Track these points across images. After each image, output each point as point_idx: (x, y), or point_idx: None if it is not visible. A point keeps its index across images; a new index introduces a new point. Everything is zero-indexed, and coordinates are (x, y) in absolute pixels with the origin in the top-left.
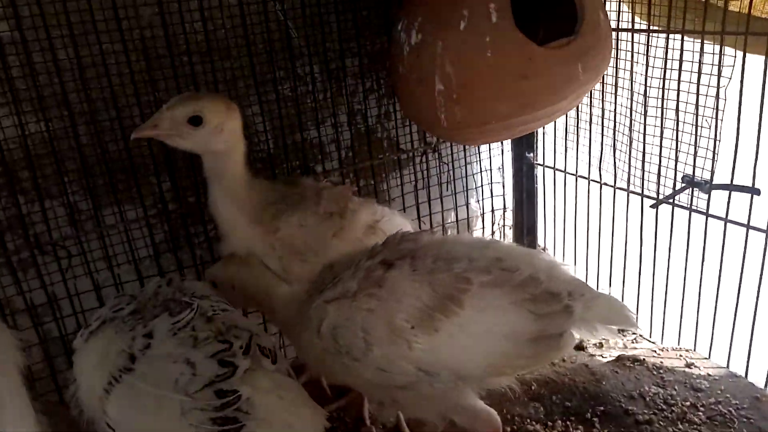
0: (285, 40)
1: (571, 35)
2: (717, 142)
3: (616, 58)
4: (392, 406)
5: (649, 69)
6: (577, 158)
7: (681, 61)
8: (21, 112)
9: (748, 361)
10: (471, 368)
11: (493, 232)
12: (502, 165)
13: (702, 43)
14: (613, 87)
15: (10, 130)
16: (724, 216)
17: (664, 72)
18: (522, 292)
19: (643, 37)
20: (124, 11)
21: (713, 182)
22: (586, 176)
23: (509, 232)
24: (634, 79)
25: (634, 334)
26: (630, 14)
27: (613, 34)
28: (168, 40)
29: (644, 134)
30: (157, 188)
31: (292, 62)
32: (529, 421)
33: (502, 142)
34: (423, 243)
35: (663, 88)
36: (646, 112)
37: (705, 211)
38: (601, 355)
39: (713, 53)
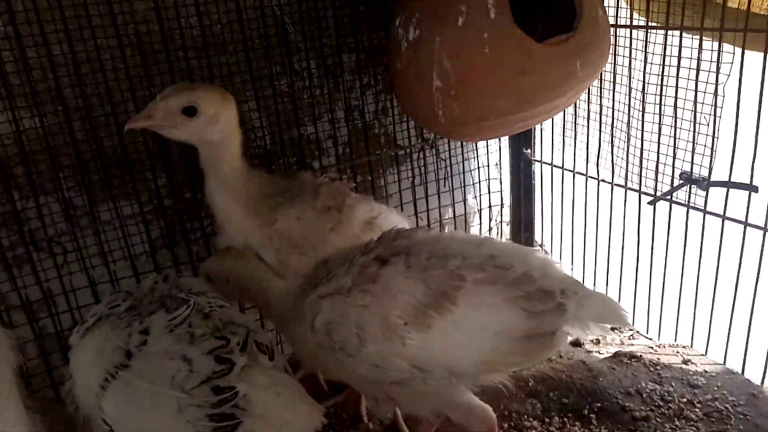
0: (282, 35)
1: (569, 31)
2: (715, 139)
3: (614, 55)
4: (387, 402)
5: (648, 65)
6: (574, 155)
7: (679, 57)
8: (15, 107)
9: (744, 358)
10: (464, 365)
11: (490, 229)
12: (500, 161)
13: (701, 40)
14: (611, 83)
15: (5, 125)
16: (721, 213)
17: (663, 68)
18: (515, 290)
19: (641, 34)
20: (119, 6)
21: (711, 179)
22: (584, 173)
23: (506, 229)
24: (632, 76)
25: (631, 330)
26: (628, 10)
27: (612, 30)
28: (163, 35)
29: (642, 131)
30: (152, 184)
31: (288, 57)
32: (526, 417)
33: (499, 139)
34: (417, 240)
35: (661, 85)
36: (644, 108)
37: (703, 208)
38: (598, 352)
39: (712, 50)
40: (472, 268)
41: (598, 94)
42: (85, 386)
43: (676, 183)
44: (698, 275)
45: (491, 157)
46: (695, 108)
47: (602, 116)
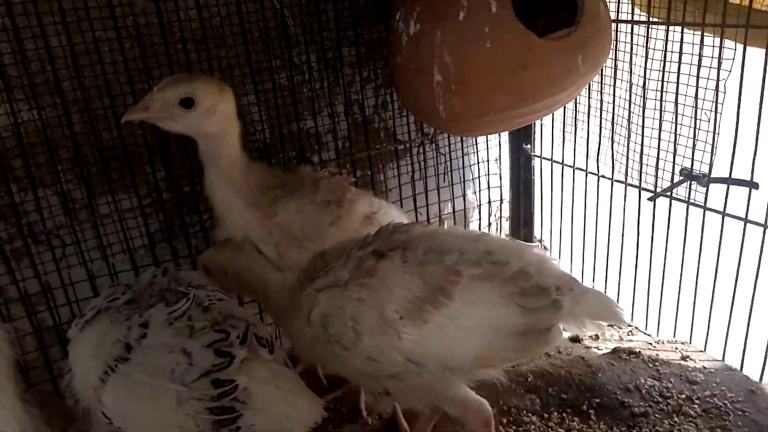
0: (281, 28)
1: (571, 26)
2: (716, 136)
3: (615, 50)
4: (384, 396)
5: (649, 61)
6: (574, 150)
7: (681, 53)
8: (13, 99)
9: (743, 354)
10: (459, 360)
11: (489, 224)
12: (500, 156)
13: (702, 36)
14: (612, 79)
15: (3, 118)
16: (721, 209)
17: (664, 64)
18: (511, 286)
19: (642, 29)
20: None
21: (711, 175)
22: (584, 168)
23: (506, 224)
24: (633, 71)
25: (630, 326)
26: (630, 5)
27: (613, 25)
28: (162, 28)
29: (643, 126)
30: (151, 177)
31: (288, 51)
32: (525, 412)
33: (499, 134)
34: (415, 234)
35: (662, 81)
36: (644, 104)
37: (703, 204)
38: (597, 348)
39: (713, 46)
40: (469, 264)
41: (599, 90)
42: (84, 379)
43: (677, 179)
44: (698, 272)
45: (491, 153)
46: (696, 104)
47: (602, 112)
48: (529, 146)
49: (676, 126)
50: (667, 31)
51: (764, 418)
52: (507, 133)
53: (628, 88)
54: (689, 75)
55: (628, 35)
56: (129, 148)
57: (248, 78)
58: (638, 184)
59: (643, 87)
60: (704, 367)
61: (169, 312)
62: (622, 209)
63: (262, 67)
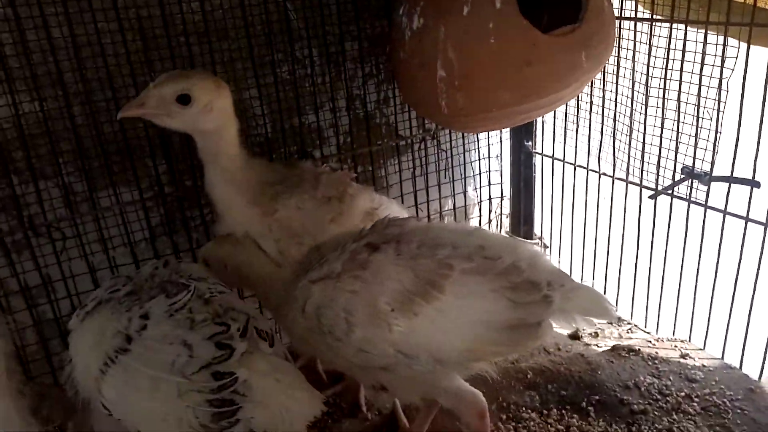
0: (284, 22)
1: (575, 22)
2: (718, 134)
3: (618, 47)
4: (380, 390)
5: (652, 59)
6: (576, 148)
7: (684, 51)
8: (15, 91)
9: (743, 353)
10: (449, 352)
11: (490, 221)
12: (501, 153)
13: (705, 34)
14: (615, 76)
15: (4, 109)
16: (722, 208)
17: (667, 62)
18: (502, 280)
19: (645, 26)
20: None
21: (713, 174)
22: (585, 166)
23: (506, 221)
24: (635, 69)
25: (629, 324)
26: (633, 2)
27: (616, 22)
28: (165, 20)
29: (645, 124)
30: (153, 171)
31: (290, 45)
32: (524, 409)
33: (500, 131)
34: (409, 228)
35: (665, 78)
36: (647, 102)
37: (704, 202)
38: (597, 345)
39: (716, 44)
40: (461, 258)
41: (601, 87)
42: (84, 370)
43: (678, 177)
44: (698, 270)
45: (492, 149)
46: (698, 102)
47: (605, 109)
48: (530, 143)
49: (678, 124)
50: (671, 28)
51: (763, 417)
52: (508, 129)
53: (630, 86)
54: (692, 73)
55: (632, 32)
56: (131, 141)
57: (250, 72)
58: (639, 182)
59: (646, 84)
60: (703, 366)
61: (170, 304)
62: (623, 207)
63: (265, 60)
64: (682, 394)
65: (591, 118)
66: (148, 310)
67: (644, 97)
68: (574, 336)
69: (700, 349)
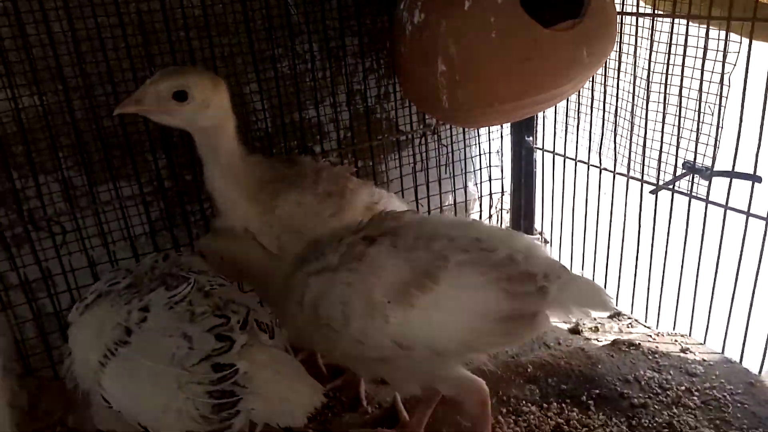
0: (284, 16)
1: (576, 17)
2: (719, 129)
3: (620, 43)
4: (378, 381)
5: (653, 54)
6: (577, 143)
7: (685, 46)
8: (14, 85)
9: (743, 347)
10: (445, 343)
11: (490, 216)
12: (501, 148)
13: (707, 29)
14: (616, 71)
15: (4, 103)
16: (724, 203)
17: (668, 57)
18: (498, 272)
19: (647, 21)
20: None
21: (714, 169)
22: (586, 161)
23: (506, 216)
24: (637, 64)
25: (629, 318)
26: None
27: (618, 17)
28: (165, 14)
29: (646, 119)
30: (153, 165)
31: (291, 39)
32: (524, 402)
33: (501, 125)
34: (405, 221)
35: (666, 74)
36: (648, 97)
37: (705, 197)
38: (597, 339)
39: (718, 39)
40: (457, 250)
41: (602, 82)
42: (84, 363)
43: (679, 172)
44: (698, 265)
45: (493, 144)
46: (700, 97)
47: (606, 104)
48: (531, 138)
49: (679, 119)
50: (672, 23)
51: (763, 411)
52: (509, 125)
53: (631, 81)
54: (693, 68)
55: (633, 28)
56: (130, 135)
57: (250, 66)
58: (640, 177)
59: (647, 80)
60: (704, 360)
61: (170, 296)
62: (624, 202)
63: (265, 55)
64: (683, 388)
65: (592, 113)
66: (148, 302)
67: (645, 92)
68: (575, 330)
69: (701, 344)
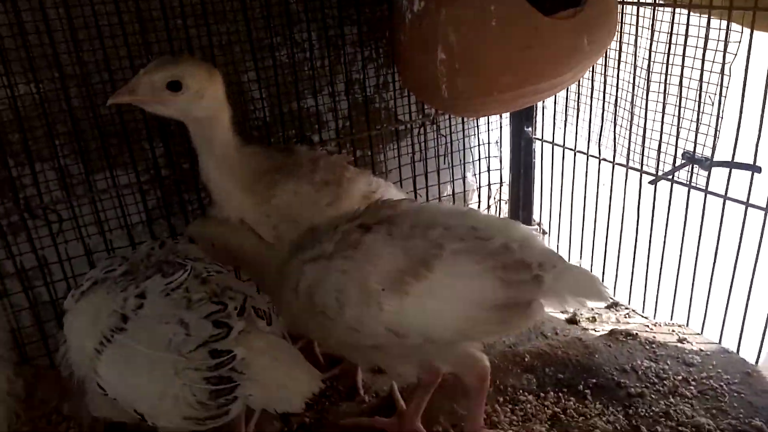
0: (283, 4)
1: (577, 6)
2: (719, 119)
3: (620, 32)
4: (372, 369)
5: (654, 43)
6: (576, 133)
7: (686, 35)
8: (11, 73)
9: (740, 337)
10: (439, 331)
11: (489, 207)
12: (500, 139)
13: (708, 18)
14: (616, 61)
15: (0, 91)
16: (723, 193)
17: (669, 46)
18: (493, 260)
19: (648, 11)
20: None
21: (714, 159)
22: (585, 151)
23: (505, 207)
24: (637, 54)
25: (627, 309)
26: None
27: (619, 6)
28: (162, 2)
29: (646, 109)
30: (150, 153)
31: (289, 28)
32: (521, 392)
33: (500, 116)
34: (402, 210)
35: (667, 63)
36: (648, 87)
37: (704, 188)
38: (594, 329)
39: (719, 28)
40: (452, 238)
41: (602, 72)
42: (79, 350)
43: (679, 163)
44: (696, 255)
45: (492, 135)
46: (700, 87)
47: (606, 94)
48: (530, 129)
49: (679, 109)
50: (673, 13)
51: (759, 400)
52: (508, 115)
53: (632, 71)
54: (694, 58)
55: (634, 17)
56: (127, 123)
57: (248, 55)
58: (640, 168)
59: (648, 69)
60: (701, 350)
61: (167, 283)
62: (623, 193)
63: (263, 44)
64: (679, 377)
65: (592, 103)
66: (145, 289)
67: (646, 82)
68: (572, 320)
69: (698, 334)
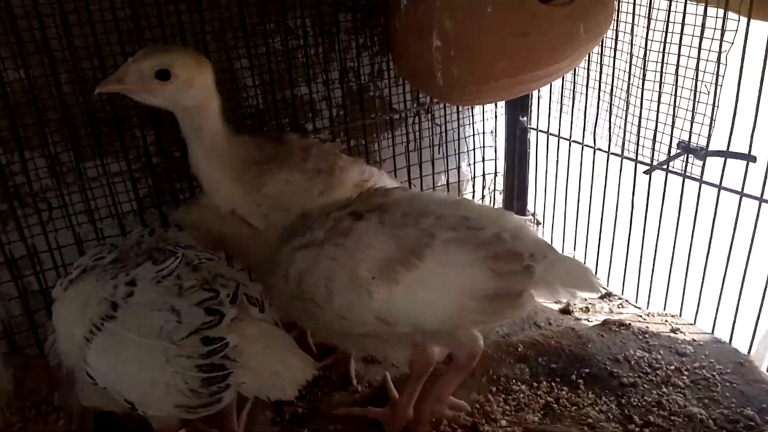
0: None
1: None
2: (715, 108)
3: (617, 20)
4: (365, 358)
5: (650, 32)
6: (571, 123)
7: (683, 24)
8: None
9: (733, 328)
10: (428, 320)
11: (483, 197)
12: (495, 129)
13: (705, 6)
14: (612, 50)
15: None
16: (717, 183)
17: (665, 35)
18: (484, 250)
19: None
20: None
21: (709, 149)
22: (580, 141)
23: (499, 197)
24: (633, 42)
25: (620, 299)
26: None
27: None
28: None
29: (641, 99)
30: (141, 141)
31: (283, 14)
32: (514, 381)
33: (495, 105)
34: (394, 198)
35: (663, 52)
36: (644, 76)
37: (699, 177)
38: (587, 319)
39: (716, 17)
40: (444, 227)
41: (598, 61)
42: (68, 339)
43: (674, 152)
44: (690, 245)
45: (487, 124)
46: (696, 76)
47: (601, 83)
48: (525, 119)
49: (675, 98)
50: (670, 1)
51: (751, 390)
52: (503, 105)
53: (628, 59)
54: (690, 46)
55: (630, 5)
56: (119, 111)
57: (241, 41)
58: (635, 158)
59: (644, 58)
60: (693, 340)
61: (157, 270)
62: (618, 182)
63: (256, 30)
64: (672, 367)
65: (587, 92)
66: (135, 276)
67: (642, 71)
68: (565, 311)
69: (691, 324)
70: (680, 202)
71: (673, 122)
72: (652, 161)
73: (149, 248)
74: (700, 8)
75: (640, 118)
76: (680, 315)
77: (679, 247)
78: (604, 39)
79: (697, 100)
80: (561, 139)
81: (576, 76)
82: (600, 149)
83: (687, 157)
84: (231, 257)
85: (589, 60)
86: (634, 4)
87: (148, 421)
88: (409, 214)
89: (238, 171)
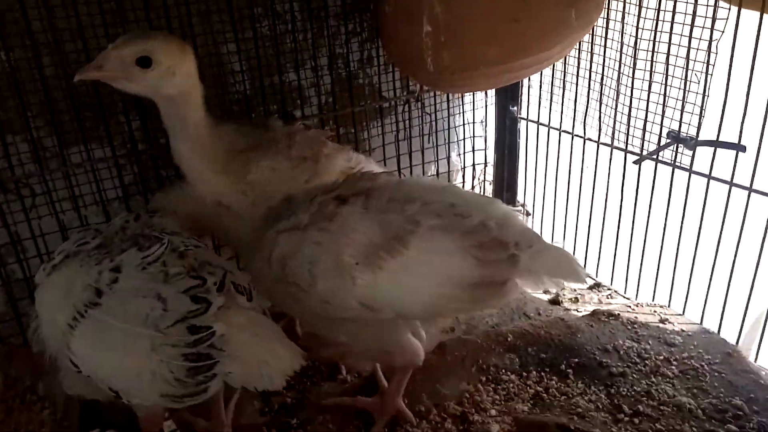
0: None
1: None
2: (705, 98)
3: (608, 8)
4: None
5: (641, 20)
6: (561, 113)
7: (674, 12)
8: None
9: (721, 318)
10: (412, 307)
11: (473, 187)
12: (485, 118)
13: None
14: (603, 39)
15: None
16: (707, 173)
17: (656, 23)
18: (469, 238)
19: None
20: None
21: (699, 138)
22: (570, 131)
23: (489, 188)
24: (624, 31)
25: (609, 289)
26: None
27: None
28: None
29: (632, 88)
30: (126, 127)
31: None
32: (504, 371)
33: (486, 94)
34: (380, 183)
35: (654, 41)
36: (635, 65)
37: (688, 167)
38: (577, 310)
39: (707, 5)
40: (429, 214)
41: (588, 50)
42: (51, 326)
43: (664, 142)
44: (679, 236)
45: (477, 114)
46: (687, 65)
47: (592, 73)
48: (515, 108)
49: (665, 87)
50: None
51: (740, 380)
52: (493, 93)
53: (618, 48)
54: (681, 35)
55: None
56: (103, 96)
57: (228, 26)
58: (624, 147)
59: (635, 47)
60: (682, 330)
61: (143, 257)
62: (607, 172)
63: (244, 14)
64: (661, 357)
65: (578, 82)
66: (120, 263)
67: (632, 60)
68: (555, 301)
69: (679, 314)
70: (670, 192)
71: (663, 112)
72: (641, 151)
73: (134, 234)
74: None
75: (630, 107)
76: (669, 305)
77: (668, 238)
78: (595, 27)
79: (687, 89)
80: (551, 129)
81: (566, 66)
82: (590, 139)
83: (677, 147)
84: (220, 245)
85: (579, 49)
86: None
87: (133, 410)
88: (395, 199)
89: (222, 162)
